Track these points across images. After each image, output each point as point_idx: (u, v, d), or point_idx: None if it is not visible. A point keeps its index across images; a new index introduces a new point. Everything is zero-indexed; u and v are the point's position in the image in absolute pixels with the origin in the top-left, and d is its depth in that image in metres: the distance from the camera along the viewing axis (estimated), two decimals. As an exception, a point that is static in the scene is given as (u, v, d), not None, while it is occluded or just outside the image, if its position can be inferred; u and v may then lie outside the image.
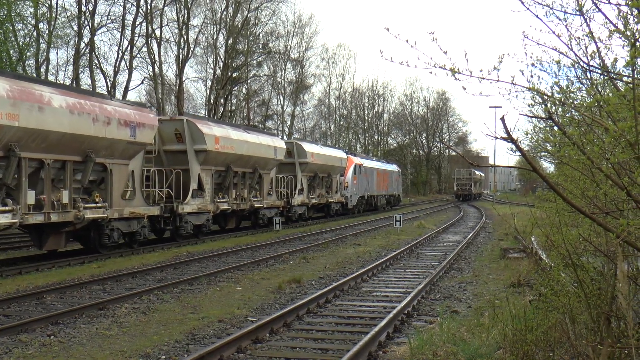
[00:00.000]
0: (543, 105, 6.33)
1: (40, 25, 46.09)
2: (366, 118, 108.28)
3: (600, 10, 5.72)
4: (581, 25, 6.10)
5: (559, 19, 6.15)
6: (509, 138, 5.49)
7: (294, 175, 41.52)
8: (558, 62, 6.14)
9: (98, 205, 22.00)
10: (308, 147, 43.71)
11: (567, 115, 7.14)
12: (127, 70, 53.18)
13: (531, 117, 7.42)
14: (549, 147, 12.66)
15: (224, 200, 31.11)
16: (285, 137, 49.96)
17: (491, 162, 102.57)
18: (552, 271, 8.92)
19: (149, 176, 26.37)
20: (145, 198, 25.56)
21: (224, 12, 61.88)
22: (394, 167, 72.34)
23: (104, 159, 22.42)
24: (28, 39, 46.01)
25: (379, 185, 61.42)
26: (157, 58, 55.90)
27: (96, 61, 50.97)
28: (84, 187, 21.97)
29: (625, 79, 5.89)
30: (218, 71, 63.31)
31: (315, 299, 14.15)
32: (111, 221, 22.87)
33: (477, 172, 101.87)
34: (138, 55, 54.68)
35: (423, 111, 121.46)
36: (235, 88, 68.57)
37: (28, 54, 45.71)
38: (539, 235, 11.72)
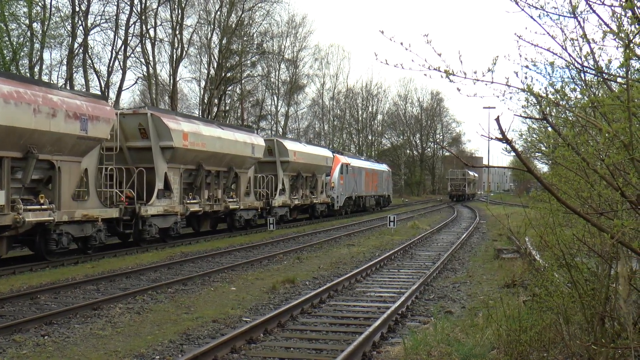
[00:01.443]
0: (537, 106, 6.35)
1: (34, 25, 46.07)
2: (360, 118, 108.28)
3: (594, 11, 5.74)
4: (575, 27, 6.12)
5: (553, 21, 6.17)
6: (504, 138, 5.50)
7: (275, 175, 39.44)
8: (552, 63, 6.16)
9: (43, 207, 19.76)
10: (290, 144, 41.48)
11: (562, 116, 7.16)
12: (120, 70, 53.21)
13: (525, 117, 7.44)
14: (543, 148, 12.69)
15: (194, 201, 29.07)
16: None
17: (485, 162, 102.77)
18: (546, 272, 8.94)
19: (111, 175, 24.45)
20: (103, 199, 23.49)
21: (218, 12, 61.93)
22: (383, 167, 70.68)
23: (50, 155, 20.14)
24: (22, 38, 46.00)
25: (367, 186, 59.60)
26: (151, 58, 55.87)
27: (90, 61, 50.99)
28: (26, 186, 19.99)
29: (619, 80, 5.91)
30: (212, 71, 63.30)
31: (309, 299, 14.15)
32: (60, 225, 20.62)
33: (471, 173, 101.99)
34: (132, 55, 54.68)
35: (417, 112, 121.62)
36: (229, 88, 68.59)
37: (22, 53, 45.68)
38: (533, 235, 11.73)
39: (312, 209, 45.88)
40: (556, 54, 6.13)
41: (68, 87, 45.28)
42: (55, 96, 20.36)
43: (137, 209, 24.72)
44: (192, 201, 28.70)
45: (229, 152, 31.31)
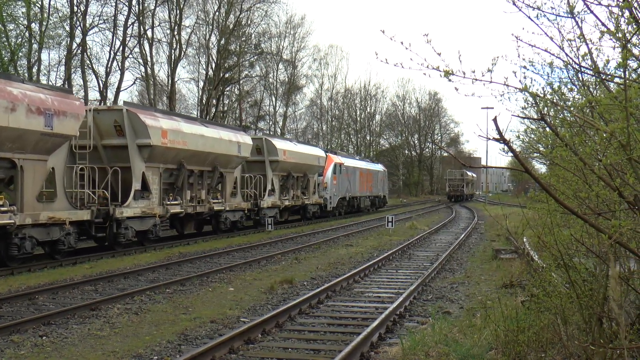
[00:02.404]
0: (535, 107, 6.36)
1: (32, 25, 46.06)
2: (358, 119, 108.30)
3: (591, 11, 5.74)
4: (572, 27, 6.12)
5: (550, 21, 6.18)
6: (502, 139, 5.50)
7: (264, 175, 37.99)
8: (551, 63, 6.16)
9: (2, 209, 18.47)
10: (279, 143, 39.87)
11: (559, 116, 7.17)
12: (119, 71, 53.14)
13: (523, 118, 7.45)
14: (541, 148, 12.70)
15: (176, 202, 27.69)
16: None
17: (483, 163, 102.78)
18: (544, 272, 8.94)
19: (85, 175, 23.18)
20: (74, 200, 22.31)
21: (216, 13, 61.93)
22: (379, 167, 69.46)
23: (10, 153, 18.87)
24: (20, 39, 45.96)
25: (362, 186, 58.26)
26: (149, 59, 55.84)
27: (88, 62, 50.92)
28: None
29: (617, 80, 5.91)
30: (210, 72, 63.29)
31: (307, 299, 14.15)
32: (23, 228, 19.31)
33: (469, 173, 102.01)
34: (130, 56, 54.67)
35: (415, 112, 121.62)
36: (228, 89, 68.59)
37: (20, 54, 45.66)
38: (531, 236, 11.74)
39: (303, 210, 44.66)
40: (554, 55, 6.15)
41: (67, 86, 45.39)
42: (16, 89, 18.93)
43: (111, 210, 23.34)
44: (172, 202, 27.50)
45: (212, 151, 30.01)
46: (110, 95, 51.59)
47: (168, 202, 27.08)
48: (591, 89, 7.92)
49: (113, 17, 51.58)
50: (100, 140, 24.86)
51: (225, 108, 70.24)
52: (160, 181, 26.64)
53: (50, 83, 47.78)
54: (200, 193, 29.85)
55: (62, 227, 20.95)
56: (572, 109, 6.58)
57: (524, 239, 18.84)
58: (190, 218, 30.22)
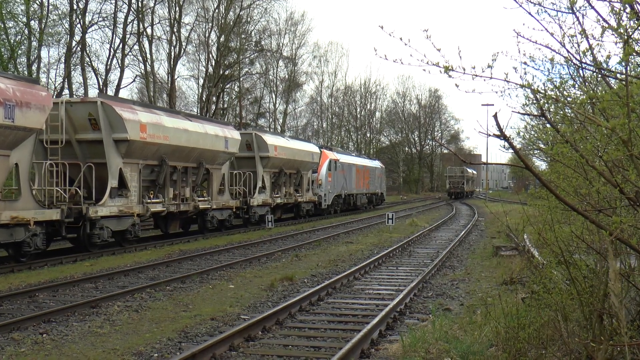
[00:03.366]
0: (536, 103, 6.34)
1: (32, 23, 46.04)
2: (358, 116, 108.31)
3: (592, 7, 5.72)
4: (573, 23, 6.11)
5: (551, 17, 6.16)
6: (502, 135, 5.49)
7: (255, 172, 36.54)
8: (552, 59, 6.15)
9: None
10: (270, 139, 38.21)
11: (560, 112, 7.15)
12: (119, 68, 53.27)
13: (524, 114, 7.43)
14: (542, 145, 12.70)
15: (157, 200, 26.12)
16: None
17: (483, 159, 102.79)
18: (545, 269, 8.93)
19: (62, 172, 22.19)
20: (43, 198, 20.99)
21: (216, 10, 61.89)
22: (376, 164, 67.96)
23: None
24: (19, 37, 45.98)
25: (358, 183, 56.63)
26: (148, 56, 55.86)
27: (88, 59, 50.99)
28: None
29: (618, 76, 5.89)
30: (210, 69, 63.29)
31: (307, 296, 14.14)
32: None
33: (469, 170, 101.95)
34: (130, 53, 54.69)
35: (415, 109, 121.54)
36: (228, 86, 68.57)
37: (19, 52, 45.65)
38: (532, 233, 11.73)
39: (297, 208, 43.33)
40: (554, 51, 6.13)
41: (67, 83, 45.46)
42: None
43: (84, 209, 21.78)
44: (153, 200, 25.92)
45: (197, 146, 28.53)
46: (110, 92, 51.55)
47: (148, 201, 25.57)
48: (592, 85, 7.90)
49: (112, 15, 51.67)
50: (74, 134, 23.48)
51: (225, 105, 70.26)
52: (140, 178, 25.22)
53: (50, 80, 47.82)
54: (185, 190, 28.55)
55: (27, 228, 19.39)
56: (572, 105, 6.56)
57: (525, 236, 18.82)
58: (175, 217, 28.84)
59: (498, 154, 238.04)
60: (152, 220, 29.00)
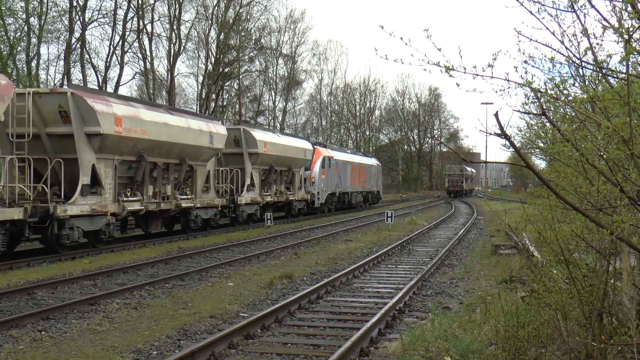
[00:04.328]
0: (536, 102, 6.34)
1: (31, 19, 46.02)
2: (358, 114, 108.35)
3: (593, 6, 5.72)
4: (574, 22, 6.10)
5: (552, 16, 6.16)
6: (503, 134, 5.48)
7: (243, 169, 34.95)
8: (552, 58, 6.14)
9: None
10: (259, 134, 36.58)
11: (561, 111, 7.15)
12: (118, 66, 53.16)
13: (524, 113, 7.43)
14: (541, 144, 12.70)
15: (135, 198, 24.57)
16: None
17: (483, 158, 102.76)
18: (544, 268, 8.94)
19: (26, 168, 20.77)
20: (6, 196, 20.00)
21: (216, 7, 61.84)
22: (372, 161, 66.39)
23: None
24: (19, 33, 45.93)
25: (353, 181, 55.21)
26: (148, 53, 55.84)
27: (87, 56, 50.97)
28: None
29: (619, 75, 5.89)
30: (210, 66, 63.26)
31: (306, 294, 14.13)
32: None
33: (468, 169, 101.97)
34: (129, 51, 54.68)
35: (415, 107, 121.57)
36: (227, 83, 68.54)
37: (19, 48, 45.62)
38: (531, 231, 11.74)
39: (288, 207, 41.83)
40: (555, 50, 6.13)
41: (66, 80, 45.41)
42: None
43: (51, 208, 20.40)
44: (131, 199, 24.36)
45: (179, 141, 26.96)
46: (110, 89, 51.53)
47: (125, 199, 24.01)
48: (592, 84, 7.89)
49: (112, 12, 51.63)
50: (43, 128, 21.85)
51: (225, 103, 70.22)
52: (116, 175, 23.63)
53: (50, 77, 47.78)
54: (166, 188, 26.99)
55: None
56: (573, 104, 6.56)
57: (524, 235, 18.83)
58: (155, 216, 27.30)
59: (497, 153, 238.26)
60: (134, 219, 28.00)
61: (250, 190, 35.35)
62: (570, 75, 7.71)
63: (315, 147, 47.14)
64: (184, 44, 60.29)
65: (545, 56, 6.57)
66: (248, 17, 65.29)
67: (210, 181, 30.83)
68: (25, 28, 45.57)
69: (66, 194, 21.48)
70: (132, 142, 23.90)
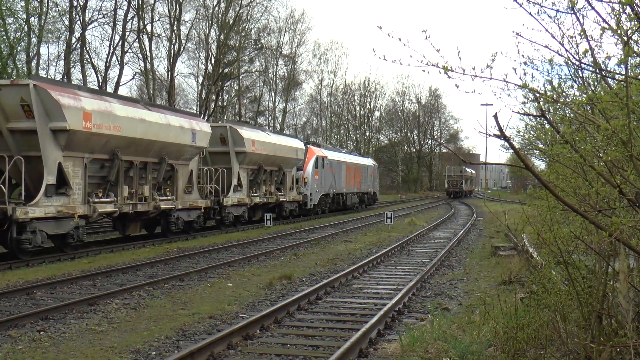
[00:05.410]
0: (535, 103, 6.34)
1: (31, 19, 46.00)
2: (358, 115, 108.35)
3: (592, 7, 5.72)
4: (573, 24, 6.10)
5: (550, 17, 6.16)
6: (502, 135, 5.48)
7: (229, 168, 33.30)
8: (551, 60, 6.14)
9: None
10: (247, 132, 34.60)
11: (560, 113, 7.15)
12: (118, 66, 53.17)
13: (524, 114, 7.43)
14: (541, 145, 12.69)
15: (107, 199, 22.92)
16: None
17: (482, 159, 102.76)
18: (544, 269, 8.93)
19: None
20: None
21: (216, 8, 61.86)
22: (368, 161, 64.67)
23: None
24: (19, 33, 45.89)
25: (349, 182, 53.54)
26: (148, 53, 55.85)
27: (87, 56, 50.96)
28: None
29: (617, 76, 5.89)
30: (210, 67, 63.27)
31: (306, 295, 14.14)
32: None
33: (468, 170, 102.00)
34: (129, 51, 54.69)
35: (414, 108, 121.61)
36: (227, 84, 68.57)
37: (19, 48, 45.60)
38: (530, 233, 11.73)
39: (279, 209, 39.73)
40: (554, 51, 6.12)
41: (66, 80, 45.38)
42: None
43: (9, 210, 18.87)
44: (103, 200, 22.68)
45: (157, 139, 25.20)
46: (110, 89, 51.54)
47: (96, 200, 22.33)
48: (591, 86, 7.90)
49: (112, 12, 51.64)
50: (5, 123, 20.27)
51: (225, 103, 70.24)
52: (86, 174, 21.88)
53: (50, 77, 47.74)
54: (143, 189, 25.26)
55: None
56: (572, 105, 6.56)
57: (523, 236, 18.83)
58: (133, 218, 25.81)
59: (497, 154, 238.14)
60: (111, 222, 26.52)
61: (238, 190, 33.79)
62: (569, 76, 7.71)
63: (308, 146, 45.73)
64: (184, 44, 60.42)
65: (544, 58, 6.58)
66: (248, 17, 65.36)
67: (193, 181, 29.28)
68: (26, 28, 45.54)
69: (31, 195, 20.15)
70: (103, 139, 22.26)
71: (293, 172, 41.45)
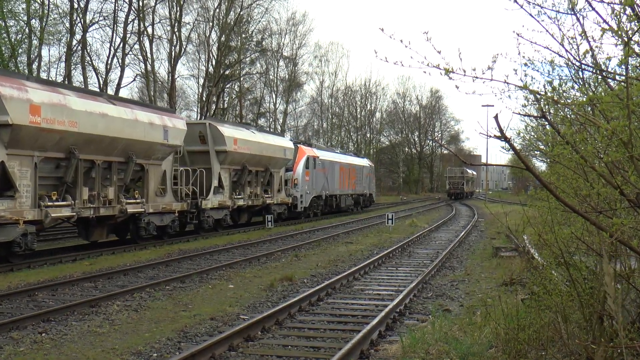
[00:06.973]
0: (536, 104, 6.34)
1: (33, 21, 46.06)
2: (359, 116, 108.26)
3: (593, 8, 5.72)
4: (573, 25, 6.11)
5: (551, 18, 6.17)
6: (503, 136, 5.49)
7: (209, 168, 30.79)
8: (551, 61, 6.14)
9: None
10: (228, 130, 32.17)
11: (560, 114, 7.15)
12: (119, 68, 53.19)
13: (524, 115, 7.43)
14: (542, 146, 12.70)
15: (63, 203, 20.77)
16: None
17: (483, 160, 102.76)
18: (545, 270, 8.93)
19: None
20: None
21: (217, 10, 61.86)
22: (364, 162, 62.03)
23: None
24: (20, 35, 45.96)
25: (343, 183, 51.40)
26: (149, 55, 55.86)
27: (88, 58, 50.94)
28: None
29: (618, 77, 5.89)
30: (210, 68, 63.25)
31: (307, 297, 14.14)
32: None
33: (469, 171, 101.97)
34: (130, 53, 54.65)
35: (415, 109, 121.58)
36: (228, 85, 68.51)
37: (20, 50, 45.67)
38: (531, 234, 11.73)
39: (266, 211, 36.85)
40: (555, 52, 6.13)
41: (67, 82, 45.38)
42: None
43: None
44: (57, 203, 20.58)
45: (122, 136, 23.03)
46: (110, 91, 51.57)
47: (49, 203, 20.21)
48: (592, 87, 7.90)
49: (113, 14, 51.62)
50: None
51: (226, 105, 70.23)
52: (36, 175, 19.76)
53: (51, 79, 47.80)
54: (108, 191, 23.10)
55: None
56: (573, 106, 6.57)
57: (524, 237, 18.82)
58: (96, 223, 23.68)
59: (498, 155, 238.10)
60: (76, 227, 24.49)
61: (219, 192, 31.39)
62: (570, 77, 7.71)
63: (298, 145, 43.87)
64: (184, 46, 60.36)
65: (545, 59, 6.58)
66: (249, 19, 65.29)
67: (167, 183, 27.00)
68: (27, 30, 45.60)
69: None
70: (57, 135, 20.05)
71: (281, 173, 39.37)
